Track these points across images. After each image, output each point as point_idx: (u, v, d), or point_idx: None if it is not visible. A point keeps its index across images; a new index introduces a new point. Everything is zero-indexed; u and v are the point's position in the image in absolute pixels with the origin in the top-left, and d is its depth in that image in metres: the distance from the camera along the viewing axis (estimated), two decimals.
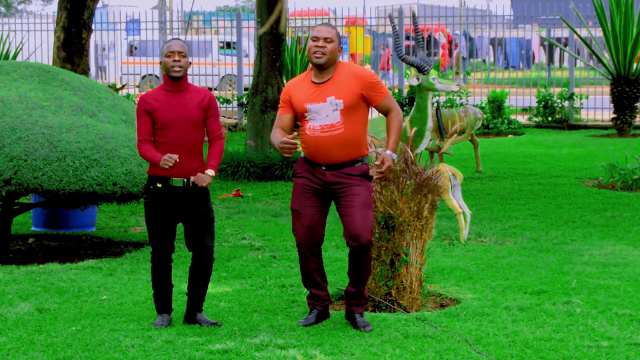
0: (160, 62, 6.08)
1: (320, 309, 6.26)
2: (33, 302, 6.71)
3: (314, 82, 6.06)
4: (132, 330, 6.02)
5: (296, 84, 6.13)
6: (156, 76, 25.16)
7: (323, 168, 6.04)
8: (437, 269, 7.75)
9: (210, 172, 6.00)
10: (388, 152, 5.99)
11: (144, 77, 25.32)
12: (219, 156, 6.10)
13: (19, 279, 7.48)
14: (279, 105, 6.19)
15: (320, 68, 6.02)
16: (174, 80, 6.03)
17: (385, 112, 6.12)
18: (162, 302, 6.22)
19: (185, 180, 6.01)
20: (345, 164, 6.02)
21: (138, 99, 6.05)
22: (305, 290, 7.03)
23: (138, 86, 24.97)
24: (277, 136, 6.06)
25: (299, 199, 6.10)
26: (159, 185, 6.02)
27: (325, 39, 5.99)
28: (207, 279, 6.23)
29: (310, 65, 6.11)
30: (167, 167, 5.84)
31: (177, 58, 5.99)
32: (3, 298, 6.89)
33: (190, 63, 6.10)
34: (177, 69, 5.98)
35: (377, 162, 5.97)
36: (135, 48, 26.66)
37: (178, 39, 6.13)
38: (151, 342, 5.76)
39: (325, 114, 5.98)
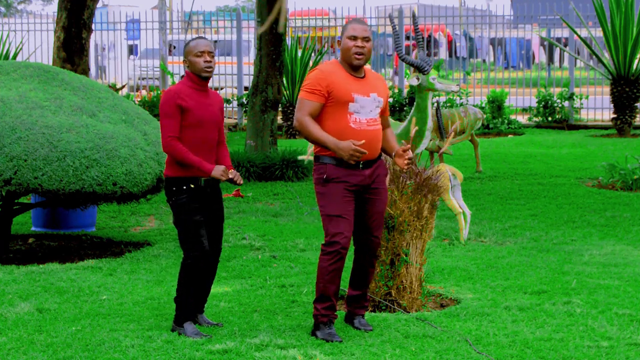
0: (184, 61, 6.02)
1: (335, 317, 6.04)
2: (33, 302, 6.71)
3: (353, 75, 5.95)
4: (132, 330, 6.02)
5: (334, 73, 5.89)
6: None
7: (361, 167, 5.92)
8: (437, 269, 7.75)
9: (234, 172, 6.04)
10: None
11: (182, 76, 25.19)
12: (229, 159, 6.16)
13: (19, 279, 7.48)
14: (310, 91, 5.85)
15: (357, 68, 5.95)
16: (203, 80, 6.00)
17: (383, 127, 6.10)
18: (194, 304, 6.03)
19: (209, 178, 5.99)
20: (377, 159, 6.01)
21: (165, 94, 5.91)
22: (307, 290, 7.04)
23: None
24: (324, 134, 5.79)
25: (342, 205, 5.84)
26: (192, 185, 5.93)
27: (364, 39, 5.89)
28: (213, 279, 6.25)
29: (339, 60, 5.98)
30: (236, 181, 5.96)
31: (208, 58, 5.96)
32: (3, 298, 6.89)
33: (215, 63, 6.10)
34: (208, 69, 5.96)
35: (401, 152, 5.94)
36: (174, 47, 26.44)
37: (203, 37, 6.11)
38: (151, 342, 5.76)
39: (369, 109, 5.91)
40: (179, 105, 5.86)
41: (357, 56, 5.88)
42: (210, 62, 5.96)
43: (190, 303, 5.99)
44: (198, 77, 5.98)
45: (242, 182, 6.02)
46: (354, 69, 5.94)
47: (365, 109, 5.89)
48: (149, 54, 25.28)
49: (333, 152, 5.81)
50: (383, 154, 6.16)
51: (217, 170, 5.86)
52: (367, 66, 6.19)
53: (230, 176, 5.95)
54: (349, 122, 5.85)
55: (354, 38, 5.89)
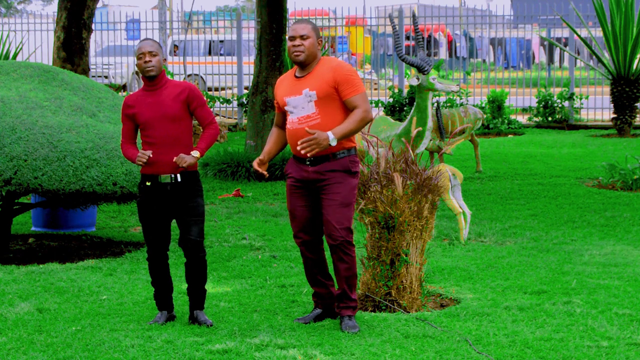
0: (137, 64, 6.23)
1: (321, 308, 6.29)
2: (33, 302, 6.71)
3: (295, 77, 6.15)
4: (132, 330, 6.02)
5: (281, 81, 6.26)
6: (201, 76, 25.00)
7: (307, 163, 6.05)
8: (437, 269, 7.75)
9: (195, 153, 6.06)
10: (329, 132, 5.92)
11: (189, 75, 25.07)
12: (209, 139, 6.14)
13: (19, 279, 7.48)
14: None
15: (302, 65, 6.10)
16: (150, 80, 6.16)
17: (352, 110, 6.03)
18: (160, 299, 6.29)
19: (173, 175, 6.09)
20: (328, 156, 6.00)
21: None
22: (307, 290, 7.04)
23: None
24: (266, 147, 6.31)
25: (291, 200, 6.20)
26: (147, 183, 6.13)
27: (302, 37, 6.05)
28: (200, 275, 6.21)
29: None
30: (141, 163, 6.02)
31: (147, 59, 6.11)
32: (3, 298, 6.89)
33: (164, 60, 6.18)
34: (149, 68, 6.11)
35: (309, 132, 5.94)
36: (177, 47, 26.35)
37: (149, 39, 6.25)
38: (151, 342, 5.76)
39: (301, 106, 6.05)
40: (126, 115, 6.23)
41: (295, 54, 6.06)
42: (150, 61, 6.10)
43: (156, 293, 6.30)
44: (145, 78, 6.16)
45: (184, 163, 5.99)
46: (301, 67, 6.11)
47: (298, 107, 6.06)
48: (105, 51, 25.06)
49: (291, 146, 6.10)
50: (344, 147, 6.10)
51: (136, 158, 6.05)
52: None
53: (174, 159, 6.00)
54: (287, 125, 6.18)
55: (292, 38, 6.09)
